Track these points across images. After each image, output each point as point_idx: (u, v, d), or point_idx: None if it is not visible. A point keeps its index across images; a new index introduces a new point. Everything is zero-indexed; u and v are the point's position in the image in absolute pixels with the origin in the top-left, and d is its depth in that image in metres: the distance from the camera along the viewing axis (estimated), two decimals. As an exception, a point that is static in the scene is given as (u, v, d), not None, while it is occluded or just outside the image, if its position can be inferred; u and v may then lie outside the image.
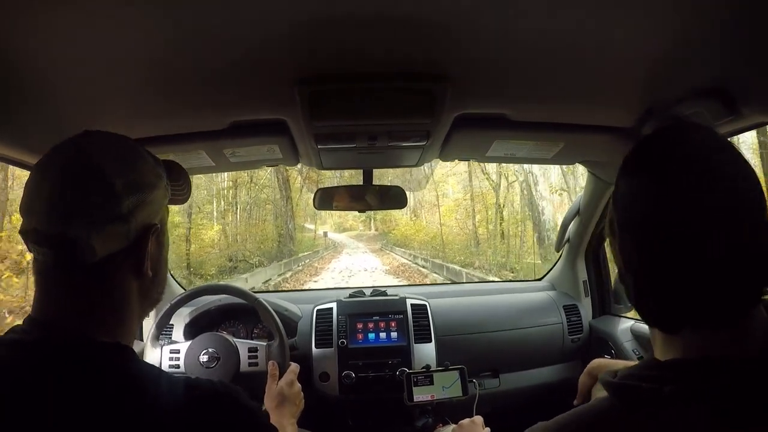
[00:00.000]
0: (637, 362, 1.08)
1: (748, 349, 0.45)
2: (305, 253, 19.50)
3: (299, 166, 1.45)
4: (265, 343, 1.34)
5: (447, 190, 22.76)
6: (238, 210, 17.78)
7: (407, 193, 1.52)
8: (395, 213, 28.16)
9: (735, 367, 0.43)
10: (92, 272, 0.55)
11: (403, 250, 22.57)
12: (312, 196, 1.51)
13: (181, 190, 0.69)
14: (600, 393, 0.52)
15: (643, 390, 0.44)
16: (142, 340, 1.60)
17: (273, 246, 18.07)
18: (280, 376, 1.14)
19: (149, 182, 0.59)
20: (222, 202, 17.31)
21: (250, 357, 1.31)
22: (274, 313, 1.38)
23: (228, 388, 0.59)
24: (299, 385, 1.15)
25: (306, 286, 11.84)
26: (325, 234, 32.05)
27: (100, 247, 0.53)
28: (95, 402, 0.50)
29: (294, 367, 1.19)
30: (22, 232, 0.55)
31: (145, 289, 0.61)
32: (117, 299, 0.58)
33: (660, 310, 0.49)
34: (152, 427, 0.51)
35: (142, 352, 1.35)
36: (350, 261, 19.58)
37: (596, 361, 1.07)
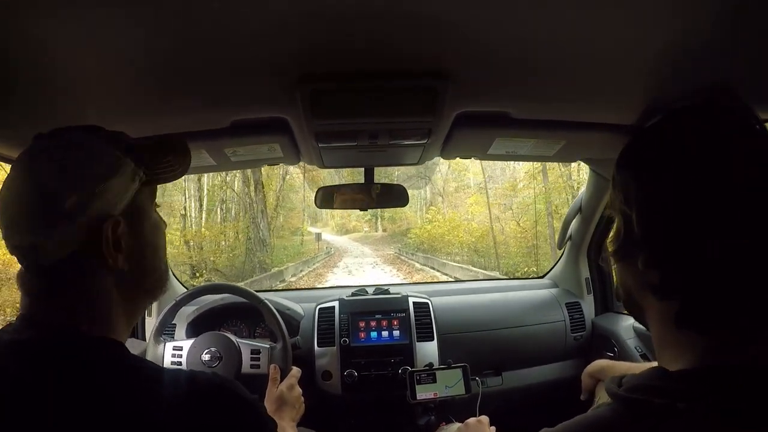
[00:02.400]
0: (637, 364, 1.06)
1: (758, 357, 0.43)
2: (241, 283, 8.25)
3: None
4: (267, 345, 1.34)
5: (468, 179, 18.73)
6: (193, 205, 13.29)
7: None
8: (406, 209, 22.53)
9: (744, 376, 0.42)
10: (57, 272, 0.55)
11: (434, 258, 14.65)
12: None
13: (170, 167, 0.66)
14: (603, 393, 0.50)
15: (655, 405, 0.43)
16: (144, 340, 1.60)
17: (241, 255, 13.20)
18: (282, 380, 1.15)
19: (100, 173, 0.56)
20: (183, 197, 13.09)
21: (252, 359, 1.31)
22: (278, 316, 1.38)
23: (226, 381, 0.59)
24: (299, 389, 1.15)
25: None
26: (318, 237, 23.23)
27: (53, 249, 0.54)
28: (90, 397, 0.50)
29: (295, 372, 1.20)
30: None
31: (127, 282, 0.60)
32: (93, 295, 0.57)
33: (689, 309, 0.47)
34: (150, 420, 0.50)
35: (145, 351, 1.35)
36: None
37: (597, 363, 1.07)
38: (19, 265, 0.58)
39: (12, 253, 0.56)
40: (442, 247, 16.05)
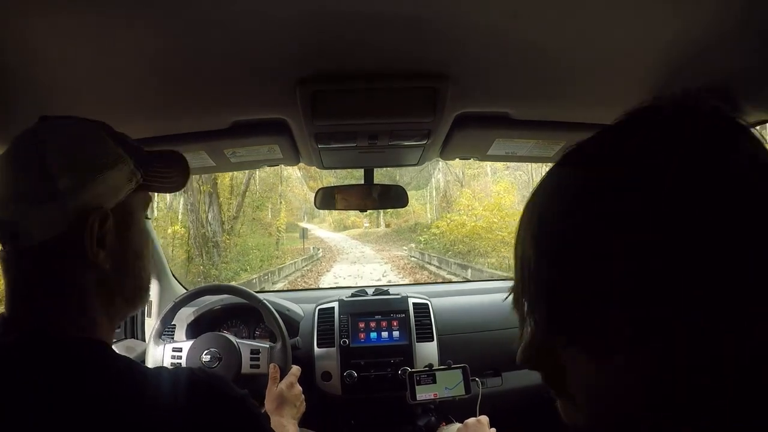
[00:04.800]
0: None
1: None
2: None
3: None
4: (267, 345, 1.34)
5: (485, 166, 14.41)
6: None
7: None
8: (413, 202, 19.22)
9: None
10: (36, 258, 0.53)
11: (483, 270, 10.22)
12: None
13: (168, 178, 0.65)
14: None
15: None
16: (144, 341, 1.60)
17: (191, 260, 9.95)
18: (282, 379, 1.15)
19: (98, 163, 0.55)
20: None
21: (252, 359, 1.31)
22: (277, 316, 1.38)
23: (212, 378, 0.56)
24: (300, 387, 1.15)
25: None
26: (303, 233, 18.92)
27: (36, 229, 0.52)
28: (73, 400, 0.48)
29: (295, 370, 1.20)
30: None
31: (108, 283, 0.57)
32: (69, 288, 0.55)
33: None
34: (136, 420, 0.49)
35: (145, 352, 1.35)
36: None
37: None
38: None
39: None
40: (490, 248, 11.22)
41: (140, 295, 0.63)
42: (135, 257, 0.61)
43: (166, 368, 0.56)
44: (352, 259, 15.27)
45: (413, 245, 16.26)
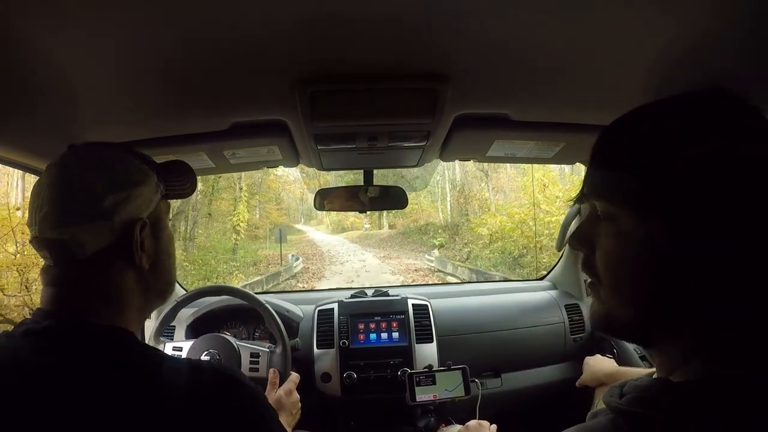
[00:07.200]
0: (648, 370, 1.05)
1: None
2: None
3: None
4: (267, 349, 1.34)
5: (498, 171, 12.26)
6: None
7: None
8: (422, 200, 18.91)
9: (746, 390, 0.38)
10: (87, 266, 0.61)
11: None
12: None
13: (181, 185, 0.74)
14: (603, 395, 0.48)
15: (657, 420, 0.39)
16: (144, 340, 1.60)
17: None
18: (281, 384, 1.15)
19: (132, 180, 0.64)
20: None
21: (251, 362, 1.31)
22: (278, 318, 1.38)
23: (229, 370, 0.63)
24: (297, 395, 1.16)
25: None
26: (280, 236, 13.62)
27: (89, 243, 0.60)
28: (97, 382, 0.53)
29: (294, 377, 1.20)
30: (30, 240, 0.64)
31: (144, 280, 0.66)
32: (113, 289, 0.63)
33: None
34: (156, 404, 0.53)
35: None
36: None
37: (606, 368, 1.05)
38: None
39: (41, 248, 0.61)
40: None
41: (169, 288, 0.73)
42: (166, 256, 0.71)
43: (186, 358, 0.63)
44: (349, 275, 11.48)
45: (436, 252, 12.62)
